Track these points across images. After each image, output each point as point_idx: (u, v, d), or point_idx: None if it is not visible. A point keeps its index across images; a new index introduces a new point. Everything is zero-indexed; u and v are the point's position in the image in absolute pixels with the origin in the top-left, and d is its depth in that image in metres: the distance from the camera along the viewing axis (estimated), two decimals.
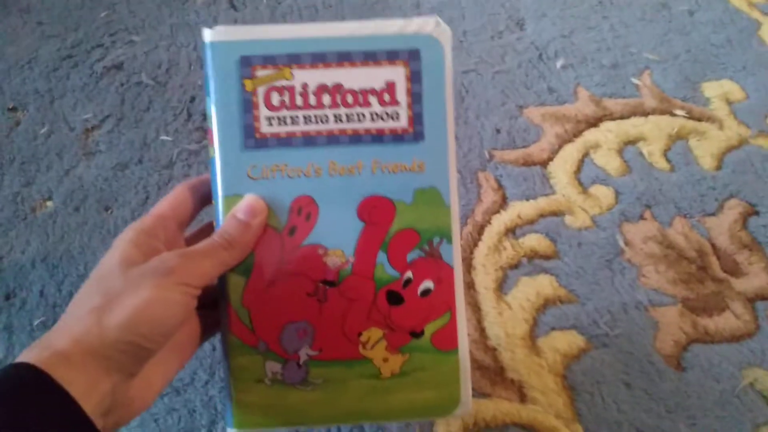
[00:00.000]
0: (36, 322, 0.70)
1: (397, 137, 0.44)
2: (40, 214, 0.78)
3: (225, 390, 0.45)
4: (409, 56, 0.43)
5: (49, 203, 0.79)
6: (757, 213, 0.79)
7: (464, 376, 0.46)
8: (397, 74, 0.43)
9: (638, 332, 0.70)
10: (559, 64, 0.93)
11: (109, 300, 0.36)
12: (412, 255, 0.44)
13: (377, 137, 0.44)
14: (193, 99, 0.87)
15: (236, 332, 0.44)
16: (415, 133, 0.44)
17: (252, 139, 0.43)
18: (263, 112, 0.43)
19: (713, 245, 0.76)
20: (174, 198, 0.45)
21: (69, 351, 0.34)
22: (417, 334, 0.45)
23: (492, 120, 0.87)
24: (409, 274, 0.44)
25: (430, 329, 0.45)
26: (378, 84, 0.43)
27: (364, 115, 0.43)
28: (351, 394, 0.45)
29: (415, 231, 0.44)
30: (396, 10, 0.99)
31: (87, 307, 0.36)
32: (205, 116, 0.84)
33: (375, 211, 0.44)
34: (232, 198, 0.43)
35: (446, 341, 0.45)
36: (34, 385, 0.32)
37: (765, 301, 0.72)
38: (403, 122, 0.44)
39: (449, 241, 0.45)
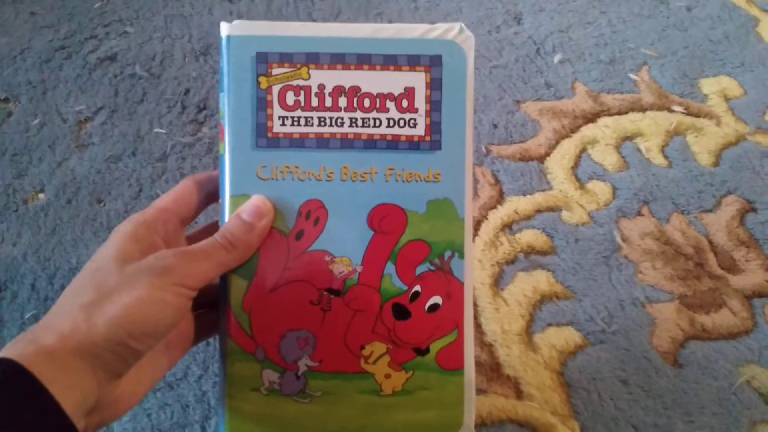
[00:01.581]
0: (27, 316, 0.69)
1: (414, 145, 0.42)
2: (32, 206, 0.77)
3: (219, 396, 0.44)
4: (431, 62, 0.42)
5: (41, 195, 0.78)
6: (754, 210, 0.79)
7: (468, 398, 0.44)
8: (417, 80, 0.42)
9: (635, 329, 0.69)
10: (556, 59, 0.92)
11: (101, 296, 0.35)
12: (422, 268, 0.43)
13: (393, 144, 0.42)
14: (187, 91, 0.86)
15: (235, 337, 0.42)
16: (432, 142, 0.42)
17: (264, 138, 0.42)
18: (277, 111, 0.42)
19: (711, 242, 0.76)
20: (179, 192, 0.43)
21: (54, 348, 0.33)
22: (422, 352, 0.43)
23: (489, 115, 0.86)
24: (417, 287, 0.43)
25: (435, 347, 0.43)
26: (397, 89, 0.42)
27: (380, 121, 0.42)
28: (349, 410, 0.43)
29: (426, 243, 0.43)
30: (393, 4, 0.98)
31: (78, 302, 0.35)
32: (199, 108, 0.84)
33: (386, 220, 0.42)
34: (239, 198, 0.42)
35: (452, 361, 0.44)
36: (14, 382, 0.31)
37: (762, 298, 0.72)
38: (420, 130, 0.42)
39: (461, 255, 0.43)
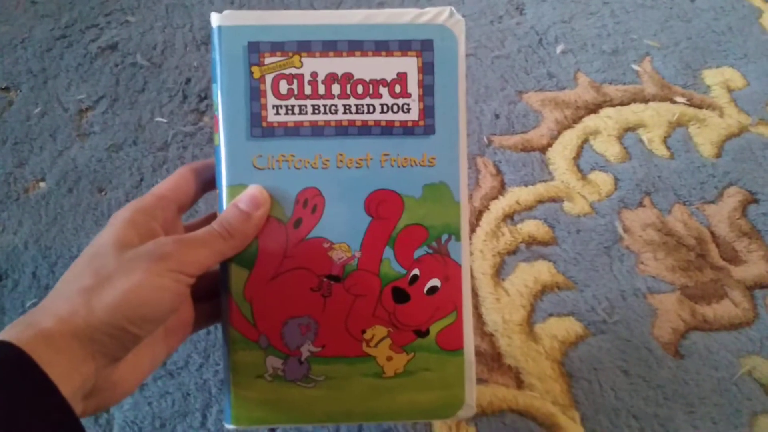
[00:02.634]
0: (28, 304, 0.69)
1: (408, 130, 0.43)
2: (33, 195, 0.77)
3: (224, 385, 0.44)
4: (422, 47, 0.42)
5: (42, 184, 0.78)
6: (756, 201, 0.78)
7: (469, 377, 0.45)
8: (409, 65, 0.42)
9: (636, 319, 0.69)
10: (559, 49, 0.92)
11: (100, 281, 0.36)
12: (420, 252, 0.43)
13: (387, 130, 0.43)
14: (188, 81, 0.86)
15: (237, 326, 0.43)
16: (425, 126, 0.43)
17: (258, 127, 0.42)
18: (271, 100, 0.42)
19: (712, 233, 0.76)
20: (176, 180, 0.44)
21: (53, 331, 0.34)
22: (422, 333, 0.44)
23: (491, 105, 0.86)
24: (415, 271, 0.44)
25: (435, 328, 0.44)
26: (389, 75, 0.42)
27: (374, 107, 0.42)
28: (352, 393, 0.44)
29: (424, 227, 0.43)
30: None
31: (76, 287, 0.36)
32: (200, 98, 0.84)
33: (383, 206, 0.43)
34: (236, 187, 0.42)
35: (452, 341, 0.44)
36: (12, 365, 0.31)
37: (764, 290, 0.72)
38: (413, 115, 0.43)
39: (458, 238, 0.44)
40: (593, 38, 0.93)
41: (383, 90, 0.43)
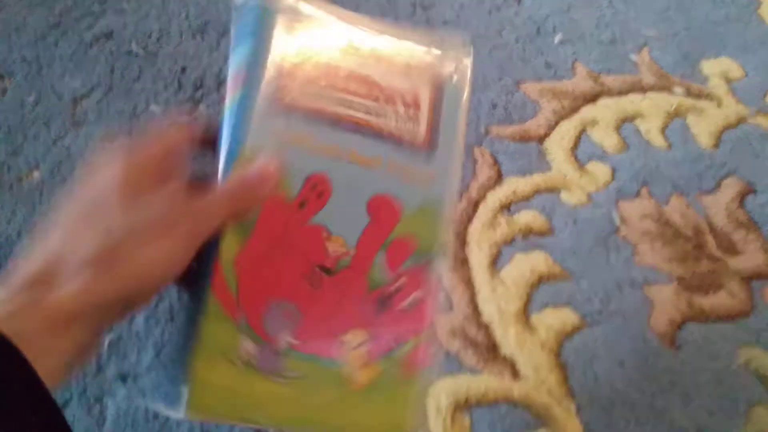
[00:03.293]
0: None
1: (413, 143, 0.43)
2: (26, 184, 0.76)
3: (181, 358, 0.40)
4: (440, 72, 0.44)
5: (36, 173, 0.77)
6: (754, 191, 0.78)
7: (415, 404, 0.44)
8: (423, 83, 0.44)
9: (633, 310, 0.69)
10: (557, 39, 0.91)
11: (109, 250, 0.34)
12: (407, 264, 0.43)
13: (396, 139, 0.43)
14: (183, 69, 0.86)
15: (218, 294, 0.40)
16: (430, 142, 0.43)
17: (280, 102, 0.41)
18: (296, 79, 0.42)
19: (710, 223, 0.76)
20: (171, 138, 0.41)
21: (57, 316, 0.33)
22: (392, 349, 0.44)
23: (488, 95, 0.85)
24: (401, 281, 0.43)
25: (405, 347, 0.44)
26: (405, 88, 0.44)
27: (388, 114, 0.43)
28: (317, 399, 0.43)
29: (414, 240, 0.43)
30: None
31: (82, 255, 0.34)
32: (195, 86, 0.83)
33: (383, 210, 0.43)
34: (248, 156, 0.40)
35: (415, 362, 0.44)
36: (5, 363, 0.31)
37: (760, 280, 0.71)
38: (421, 131, 0.43)
39: (442, 256, 0.44)
40: (591, 28, 0.93)
41: (398, 101, 0.43)
